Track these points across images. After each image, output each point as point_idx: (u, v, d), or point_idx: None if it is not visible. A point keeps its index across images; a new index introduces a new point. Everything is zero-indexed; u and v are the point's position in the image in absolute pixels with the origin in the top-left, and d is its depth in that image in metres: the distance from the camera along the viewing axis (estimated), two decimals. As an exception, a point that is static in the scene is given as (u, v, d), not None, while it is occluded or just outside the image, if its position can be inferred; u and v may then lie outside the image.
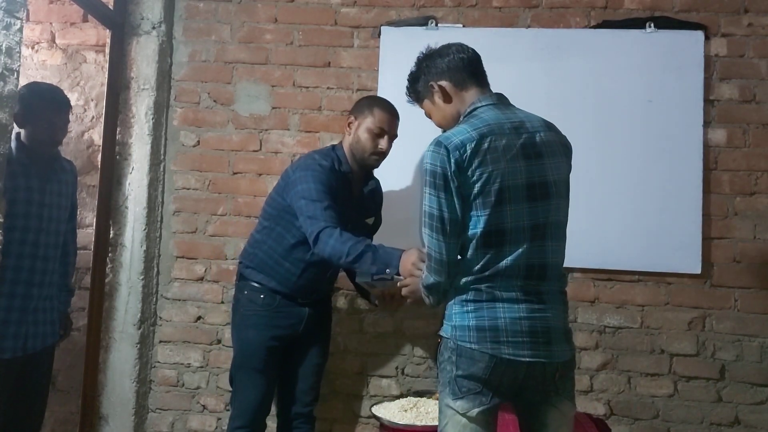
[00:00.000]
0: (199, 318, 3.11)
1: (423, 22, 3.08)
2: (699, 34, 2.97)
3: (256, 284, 2.55)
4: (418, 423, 2.30)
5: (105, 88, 3.08)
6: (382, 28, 3.10)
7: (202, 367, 3.10)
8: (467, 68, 1.97)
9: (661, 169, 2.93)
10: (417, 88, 2.03)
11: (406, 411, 2.38)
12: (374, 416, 2.45)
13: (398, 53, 3.06)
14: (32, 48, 3.36)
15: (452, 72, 1.95)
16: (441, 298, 1.84)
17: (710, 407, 2.88)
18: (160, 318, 3.14)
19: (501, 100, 1.96)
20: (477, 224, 1.76)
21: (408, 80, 2.09)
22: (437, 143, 1.78)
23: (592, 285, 2.97)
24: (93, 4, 2.97)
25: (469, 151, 1.75)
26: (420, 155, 2.99)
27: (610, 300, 2.96)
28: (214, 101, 3.18)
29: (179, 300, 3.13)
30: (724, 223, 2.92)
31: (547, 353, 1.76)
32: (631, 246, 2.92)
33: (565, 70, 3.00)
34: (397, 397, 2.73)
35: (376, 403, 2.62)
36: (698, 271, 2.89)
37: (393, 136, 2.54)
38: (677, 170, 2.92)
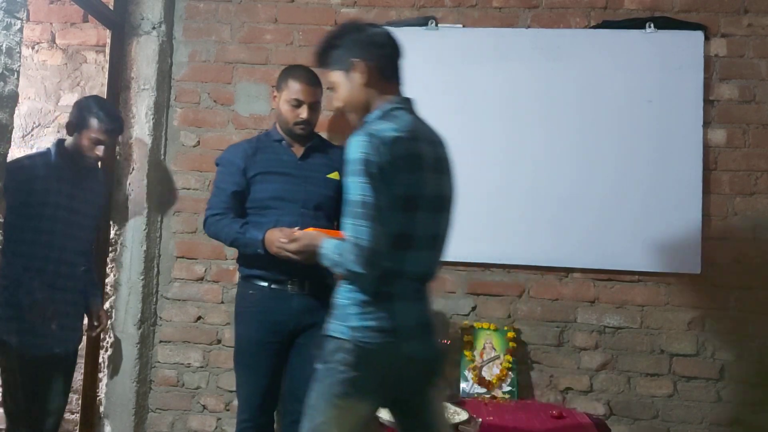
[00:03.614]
0: (199, 318, 3.12)
1: (423, 22, 3.08)
2: (699, 35, 2.97)
3: (244, 277, 2.63)
4: (418, 423, 2.30)
5: (105, 89, 3.08)
6: (382, 28, 3.10)
7: (202, 367, 3.11)
8: (395, 61, 1.93)
9: (661, 169, 2.93)
10: (333, 54, 1.93)
11: (406, 411, 2.38)
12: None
13: (398, 53, 3.06)
14: (33, 48, 3.37)
15: (383, 58, 1.90)
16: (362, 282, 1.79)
17: (710, 407, 2.88)
18: (160, 318, 3.14)
19: (413, 106, 1.94)
20: (393, 224, 1.76)
21: (325, 42, 1.98)
22: (371, 134, 1.74)
23: (592, 285, 2.97)
24: (93, 5, 2.97)
25: (401, 150, 1.75)
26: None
27: (610, 300, 2.96)
28: (215, 101, 3.19)
29: (179, 300, 3.14)
30: (724, 224, 2.92)
31: (434, 348, 1.90)
32: (631, 246, 2.92)
33: (565, 70, 3.00)
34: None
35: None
36: (698, 271, 2.89)
37: (313, 104, 2.59)
38: (677, 170, 2.92)
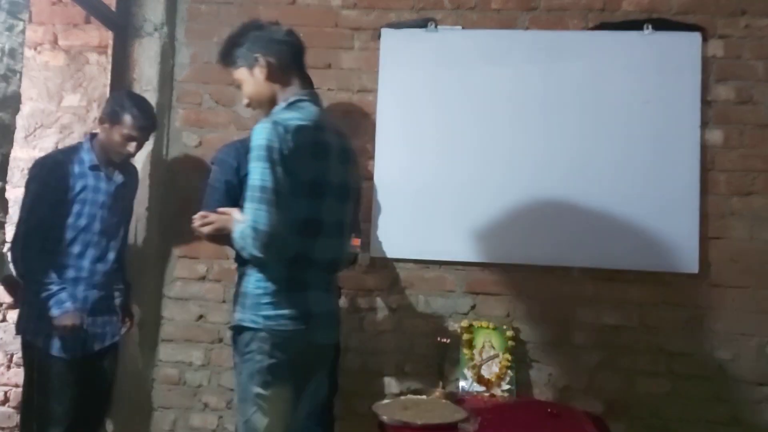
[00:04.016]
0: (201, 317, 3.13)
1: (422, 24, 3.10)
2: (696, 36, 2.99)
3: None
4: (418, 421, 2.31)
5: (107, 90, 3.10)
6: (382, 30, 3.12)
7: (204, 365, 3.12)
8: (296, 56, 2.01)
9: (658, 169, 2.95)
10: (235, 52, 1.99)
11: (405, 409, 2.39)
12: (374, 414, 2.46)
13: (398, 55, 3.09)
14: (35, 49, 3.38)
15: (283, 54, 1.97)
16: (261, 276, 1.86)
17: (707, 406, 2.89)
18: (163, 317, 3.16)
19: (318, 99, 2.02)
20: (299, 210, 1.82)
21: (228, 41, 2.04)
22: (275, 122, 1.80)
23: (590, 284, 2.98)
24: (95, 6, 2.99)
25: (305, 138, 1.82)
26: (418, 159, 3.04)
27: (608, 299, 2.97)
28: (216, 102, 3.21)
29: (181, 299, 3.16)
30: (721, 223, 2.94)
31: (336, 336, 2.05)
32: (629, 245, 2.94)
33: (563, 71, 3.02)
34: (397, 395, 2.75)
35: (376, 401, 2.64)
36: (696, 270, 2.91)
37: None
38: (675, 171, 2.94)
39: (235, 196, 2.57)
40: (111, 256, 2.63)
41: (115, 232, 2.65)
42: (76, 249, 2.51)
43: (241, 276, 1.96)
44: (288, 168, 1.78)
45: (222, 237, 1.94)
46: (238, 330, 1.88)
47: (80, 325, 2.46)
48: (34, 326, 2.45)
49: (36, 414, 2.45)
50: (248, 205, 1.77)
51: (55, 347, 2.44)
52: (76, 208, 2.51)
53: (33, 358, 2.47)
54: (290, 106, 1.91)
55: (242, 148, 2.61)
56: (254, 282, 1.87)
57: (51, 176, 2.47)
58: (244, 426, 1.86)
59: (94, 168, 2.55)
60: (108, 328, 2.64)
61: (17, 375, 3.14)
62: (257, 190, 1.76)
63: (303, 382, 1.96)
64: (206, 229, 1.97)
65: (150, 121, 2.62)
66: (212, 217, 1.99)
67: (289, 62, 1.98)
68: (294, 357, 1.85)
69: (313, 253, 1.88)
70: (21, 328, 2.51)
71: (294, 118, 1.84)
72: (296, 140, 1.80)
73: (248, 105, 2.06)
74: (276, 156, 1.77)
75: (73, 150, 2.59)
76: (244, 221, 1.80)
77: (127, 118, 2.52)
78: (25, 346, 2.50)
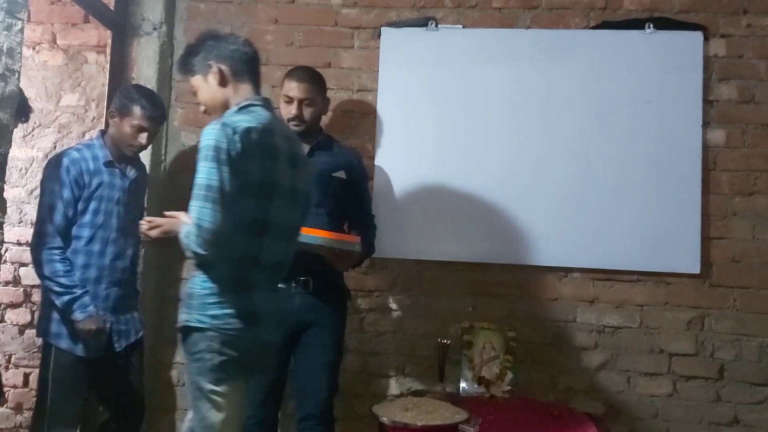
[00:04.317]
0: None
1: (423, 23, 3.09)
2: (698, 35, 2.98)
3: None
4: (418, 422, 2.30)
5: (106, 89, 3.09)
6: (382, 29, 3.11)
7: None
8: (248, 63, 2.06)
9: (660, 169, 2.93)
10: (192, 61, 2.07)
11: (406, 410, 2.38)
12: (374, 415, 2.46)
13: (398, 54, 3.07)
14: (33, 49, 3.37)
15: (234, 61, 2.03)
16: (207, 277, 1.90)
17: (709, 407, 2.89)
18: (163, 317, 3.14)
19: (270, 105, 2.08)
20: (246, 211, 1.87)
21: (184, 51, 2.13)
22: (224, 124, 1.85)
23: (591, 285, 2.98)
24: (94, 5, 2.98)
25: (254, 140, 1.86)
26: (418, 159, 3.03)
27: (609, 300, 2.97)
28: (215, 102, 3.19)
29: (181, 300, 3.13)
30: (723, 223, 2.93)
31: (281, 335, 2.09)
32: (630, 246, 2.93)
33: (564, 70, 3.01)
34: (397, 397, 2.74)
35: (376, 403, 2.63)
36: (697, 270, 2.90)
37: (304, 101, 2.61)
38: (676, 170, 2.93)
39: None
40: (129, 252, 2.65)
41: (131, 228, 2.63)
42: (95, 247, 2.52)
43: (191, 277, 2.01)
44: (235, 169, 1.82)
45: (170, 240, 1.98)
46: (186, 330, 1.91)
47: (103, 328, 2.49)
48: (57, 328, 2.46)
49: (51, 414, 2.45)
50: (193, 204, 1.81)
51: (79, 349, 2.45)
52: (93, 205, 2.51)
53: (56, 359, 2.47)
54: (241, 109, 1.96)
55: None
56: (200, 282, 1.91)
57: (67, 174, 2.47)
58: (199, 423, 1.89)
59: (108, 164, 2.56)
60: (131, 325, 2.65)
61: (15, 376, 3.13)
62: (202, 189, 1.80)
63: (251, 377, 2.06)
64: (153, 233, 2.03)
65: (159, 110, 2.64)
66: (158, 220, 2.04)
67: (242, 69, 2.04)
68: (243, 354, 1.90)
69: (260, 253, 1.93)
70: (42, 330, 2.52)
71: (243, 120, 1.89)
72: (244, 142, 1.84)
73: (204, 111, 2.13)
74: (223, 156, 1.81)
75: (87, 147, 2.59)
76: (189, 222, 1.84)
77: (137, 109, 2.54)
78: (46, 347, 2.51)
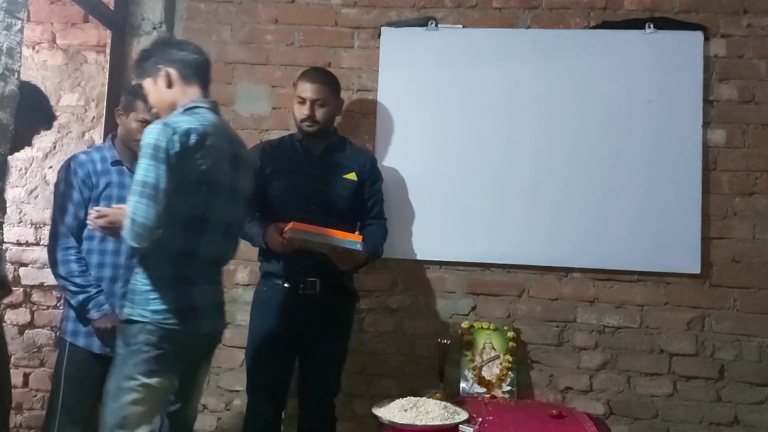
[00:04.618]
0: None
1: (423, 22, 3.09)
2: (698, 35, 2.97)
3: (262, 275, 2.71)
4: (418, 422, 2.30)
5: (106, 89, 3.09)
6: (382, 28, 3.11)
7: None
8: (196, 68, 2.17)
9: (660, 169, 2.93)
10: (144, 65, 2.18)
11: (405, 410, 2.38)
12: (374, 415, 2.46)
13: (398, 54, 3.07)
14: (33, 48, 3.37)
15: (182, 65, 2.14)
16: (148, 274, 2.00)
17: (709, 407, 2.89)
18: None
19: (216, 108, 2.18)
20: (184, 208, 1.97)
21: (138, 56, 2.25)
22: (165, 124, 1.95)
23: (591, 285, 2.97)
24: (94, 5, 2.98)
25: (193, 141, 1.96)
26: (418, 159, 3.03)
27: (609, 300, 2.96)
28: (215, 101, 3.19)
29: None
30: (724, 223, 2.93)
31: (221, 326, 2.19)
32: (630, 246, 2.93)
33: (564, 70, 3.01)
34: (397, 397, 2.74)
35: (376, 403, 2.63)
36: (697, 271, 2.89)
37: (317, 102, 2.64)
38: (677, 170, 2.93)
39: (258, 194, 2.62)
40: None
41: None
42: (110, 246, 2.53)
43: (133, 273, 2.09)
44: (172, 167, 1.91)
45: (116, 230, 2.02)
46: (127, 323, 1.99)
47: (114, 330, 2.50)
48: (73, 326, 2.50)
49: (62, 412, 2.47)
50: (129, 199, 1.91)
51: (96, 346, 2.49)
52: (103, 205, 2.50)
53: (70, 356, 2.50)
54: (186, 111, 2.06)
55: (268, 148, 2.76)
56: (142, 278, 2.00)
57: (75, 176, 2.51)
58: (115, 412, 1.95)
59: (116, 163, 2.58)
60: None
61: (15, 376, 3.11)
62: (139, 185, 1.89)
63: (189, 370, 2.12)
64: (99, 222, 2.07)
65: None
66: (105, 210, 2.10)
67: (189, 73, 2.14)
68: (180, 348, 1.99)
69: (198, 249, 2.03)
70: (62, 328, 2.55)
71: (185, 121, 1.98)
72: (182, 142, 1.93)
73: (155, 112, 2.24)
74: (161, 155, 1.90)
75: (96, 150, 2.63)
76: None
77: (140, 103, 2.54)
78: (62, 345, 2.54)
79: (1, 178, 1.90)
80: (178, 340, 1.98)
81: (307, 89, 2.64)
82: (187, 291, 2.02)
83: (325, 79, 2.68)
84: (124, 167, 2.59)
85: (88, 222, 2.18)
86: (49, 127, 2.65)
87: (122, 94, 2.67)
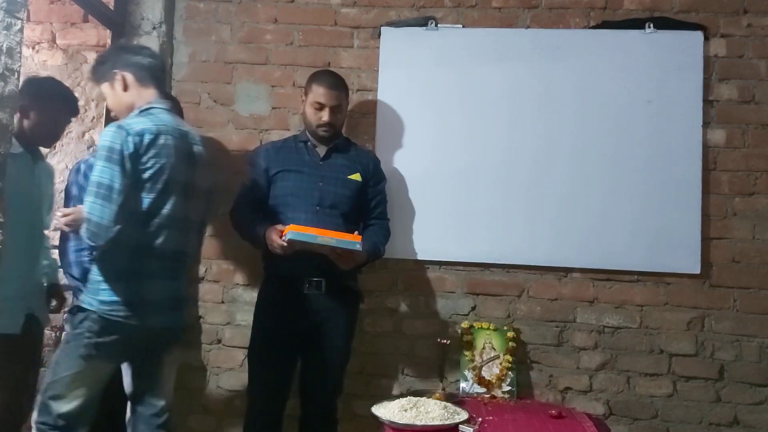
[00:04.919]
0: (199, 318, 3.12)
1: (423, 22, 3.09)
2: (698, 35, 2.97)
3: (266, 275, 2.72)
4: (418, 422, 2.30)
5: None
6: (382, 28, 3.10)
7: (202, 367, 3.11)
8: (151, 71, 2.26)
9: (660, 169, 2.93)
10: (101, 69, 2.27)
11: (405, 410, 2.38)
12: (374, 416, 2.46)
13: (398, 54, 3.07)
14: (33, 48, 3.37)
15: (137, 68, 2.23)
16: (103, 266, 2.10)
17: (709, 407, 2.88)
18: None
19: (172, 108, 2.28)
20: (141, 205, 2.08)
21: (95, 62, 2.36)
22: (119, 126, 2.06)
23: (591, 285, 2.97)
24: (93, 5, 2.97)
25: (146, 141, 2.07)
26: (418, 159, 3.03)
27: (609, 300, 2.96)
28: (215, 101, 3.19)
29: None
30: (723, 224, 2.93)
31: (178, 321, 2.26)
32: (630, 246, 2.92)
33: (564, 70, 3.00)
34: (397, 397, 2.73)
35: (376, 403, 2.63)
36: (697, 271, 2.89)
37: (334, 108, 2.66)
38: (676, 170, 2.92)
39: (261, 195, 2.70)
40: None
41: None
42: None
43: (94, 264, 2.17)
44: (127, 167, 2.02)
45: (77, 228, 2.09)
46: (76, 309, 2.11)
47: None
48: None
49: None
50: (85, 199, 2.01)
51: None
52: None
53: None
54: (141, 113, 2.16)
55: (273, 149, 2.78)
56: (96, 270, 2.10)
57: (85, 178, 2.49)
58: (51, 384, 2.07)
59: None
60: None
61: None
62: (94, 186, 2.00)
63: (147, 362, 2.23)
64: (63, 220, 2.15)
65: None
66: (68, 210, 2.18)
67: (145, 76, 2.23)
68: (127, 340, 2.10)
69: (153, 244, 2.12)
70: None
71: (139, 122, 2.09)
72: (137, 142, 2.05)
73: (113, 115, 2.33)
74: (116, 156, 2.01)
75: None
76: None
77: None
78: None
79: (1, 178, 1.90)
80: (124, 332, 2.07)
81: (326, 95, 2.65)
82: (138, 285, 2.10)
83: (342, 84, 2.72)
84: None
85: (54, 222, 2.24)
86: (75, 117, 2.73)
87: None
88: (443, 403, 2.47)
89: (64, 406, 2.06)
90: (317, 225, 2.48)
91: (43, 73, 3.33)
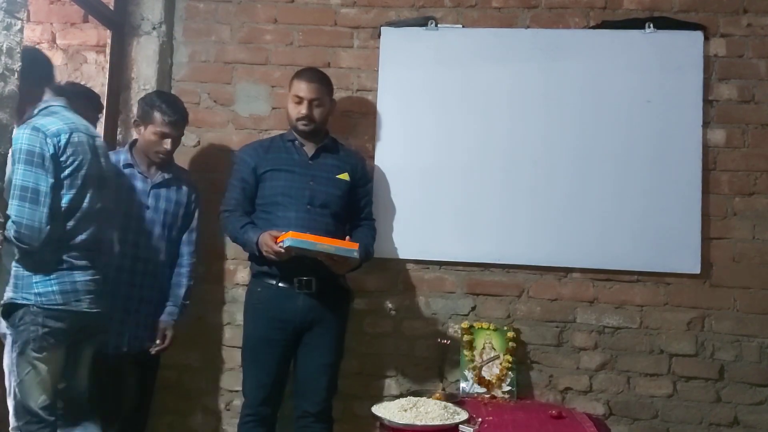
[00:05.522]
0: (199, 318, 3.11)
1: (423, 22, 3.08)
2: (698, 35, 2.97)
3: (254, 275, 2.71)
4: (418, 422, 2.30)
5: (105, 89, 3.09)
6: (381, 28, 3.10)
7: (202, 367, 3.11)
8: (44, 72, 2.28)
9: (660, 169, 2.93)
10: None
11: (405, 411, 2.37)
12: (374, 416, 2.45)
13: (398, 54, 3.07)
14: (33, 48, 3.37)
15: (29, 77, 2.15)
16: (30, 261, 2.15)
17: (709, 407, 2.88)
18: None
19: (69, 105, 2.31)
20: (64, 201, 2.16)
21: None
22: (35, 128, 2.11)
23: (591, 285, 2.97)
24: (93, 5, 2.97)
25: (63, 140, 2.15)
26: (418, 159, 3.03)
27: (609, 300, 2.96)
28: (214, 101, 3.19)
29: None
30: (723, 224, 2.93)
31: (103, 308, 2.31)
32: (630, 246, 2.92)
33: (564, 70, 3.00)
34: (397, 397, 2.74)
35: (375, 403, 2.63)
36: (697, 271, 2.89)
37: (312, 102, 2.66)
38: (676, 170, 2.92)
39: (250, 195, 2.69)
40: (152, 256, 2.69)
41: (157, 235, 2.69)
42: (124, 276, 2.59)
43: (16, 261, 2.22)
44: (47, 168, 2.10)
45: None
46: (12, 307, 2.16)
47: (126, 319, 2.62)
48: None
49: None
50: (11, 203, 2.05)
51: (112, 346, 2.57)
52: (126, 222, 2.59)
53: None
54: (42, 111, 2.20)
55: (261, 148, 2.77)
56: (21, 267, 2.16)
57: None
58: (18, 387, 2.13)
59: (127, 166, 2.63)
60: (146, 333, 2.71)
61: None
62: (19, 189, 2.06)
63: (73, 349, 2.27)
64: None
65: (178, 115, 2.67)
66: None
67: (35, 82, 2.21)
68: (65, 325, 2.18)
69: (77, 236, 2.20)
70: None
71: (51, 123, 2.15)
72: (55, 143, 2.12)
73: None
74: (37, 159, 2.09)
75: (114, 153, 2.67)
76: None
77: (157, 115, 2.60)
78: None
79: (1, 178, 1.90)
80: (62, 317, 2.17)
81: (304, 89, 2.65)
82: (66, 274, 2.18)
83: (321, 78, 2.71)
84: (135, 169, 2.65)
85: None
86: (101, 112, 2.79)
87: (139, 104, 2.71)
88: (443, 403, 2.47)
89: (40, 402, 2.13)
90: (308, 224, 2.52)
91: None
